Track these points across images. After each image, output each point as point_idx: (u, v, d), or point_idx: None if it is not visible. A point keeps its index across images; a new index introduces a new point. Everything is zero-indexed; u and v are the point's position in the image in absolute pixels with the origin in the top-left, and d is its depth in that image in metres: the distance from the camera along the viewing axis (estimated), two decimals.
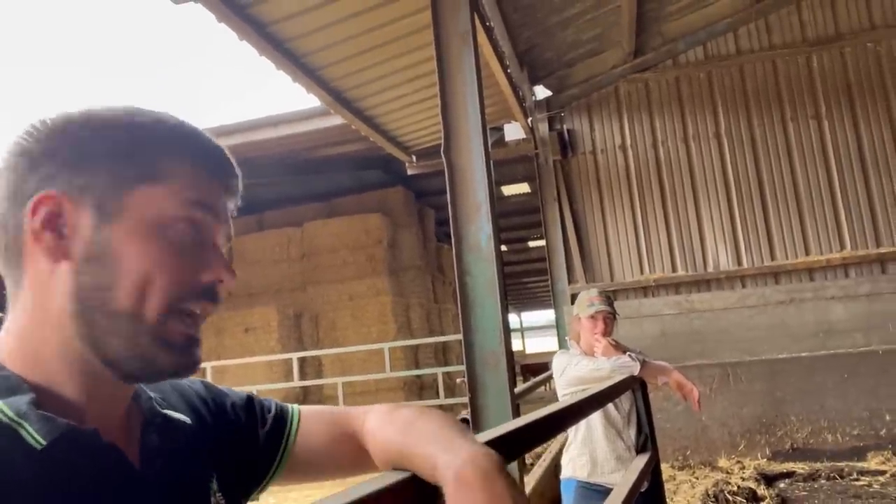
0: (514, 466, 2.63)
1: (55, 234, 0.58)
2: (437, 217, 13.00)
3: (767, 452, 5.72)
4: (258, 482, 0.78)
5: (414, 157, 7.29)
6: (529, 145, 7.04)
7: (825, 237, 6.24)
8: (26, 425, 0.53)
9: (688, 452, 5.86)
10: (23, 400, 0.55)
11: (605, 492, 2.63)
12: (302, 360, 10.19)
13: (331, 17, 4.14)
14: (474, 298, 2.85)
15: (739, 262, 6.40)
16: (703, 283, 6.45)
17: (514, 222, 13.61)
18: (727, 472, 5.37)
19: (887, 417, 5.54)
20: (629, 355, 2.71)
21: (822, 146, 6.35)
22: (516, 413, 2.90)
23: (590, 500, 2.73)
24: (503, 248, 15.65)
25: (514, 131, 7.07)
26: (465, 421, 3.39)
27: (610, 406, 2.72)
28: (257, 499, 0.80)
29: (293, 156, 9.38)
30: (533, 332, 38.11)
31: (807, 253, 6.26)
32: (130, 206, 0.60)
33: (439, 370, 9.44)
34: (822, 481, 4.99)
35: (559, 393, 2.88)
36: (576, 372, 2.73)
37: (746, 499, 4.49)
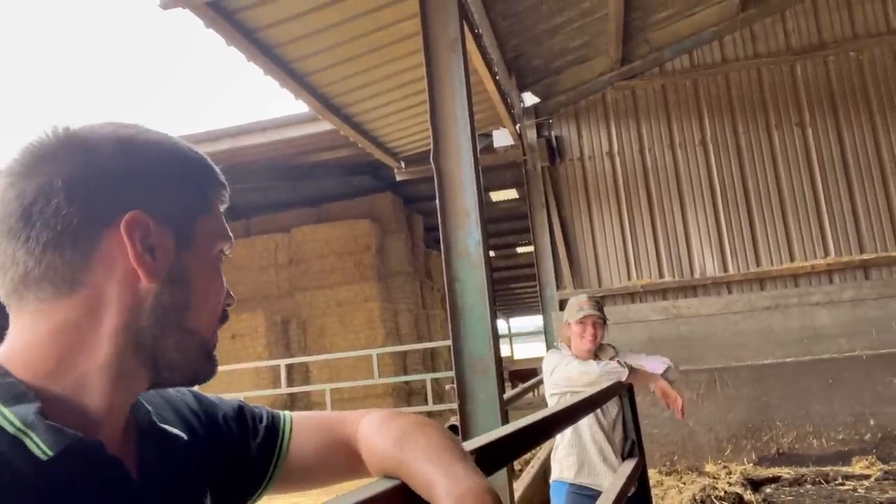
0: (503, 473, 2.63)
1: (150, 256, 0.62)
2: (425, 223, 12.99)
3: (753, 457, 5.76)
4: (251, 494, 0.78)
5: (403, 163, 7.29)
6: (518, 152, 7.06)
7: (810, 244, 6.30)
8: (32, 435, 0.53)
9: (675, 458, 5.88)
10: (30, 409, 0.54)
11: (594, 496, 2.64)
12: (290, 367, 10.14)
13: (319, 23, 4.15)
14: (463, 304, 2.85)
15: (725, 269, 6.45)
16: (689, 289, 6.49)
17: (502, 228, 13.65)
18: (714, 478, 5.39)
19: (871, 422, 5.59)
20: (618, 361, 2.74)
21: (806, 153, 6.42)
22: (505, 419, 2.90)
23: None
24: (491, 253, 15.67)
25: (502, 138, 7.10)
26: (454, 428, 3.38)
27: (597, 410, 2.75)
28: None
29: (281, 161, 9.34)
30: (521, 337, 38.13)
31: (791, 259, 6.32)
32: (197, 234, 0.66)
33: (427, 376, 9.44)
34: (808, 486, 5.03)
35: (547, 392, 2.90)
36: (565, 372, 2.75)
37: None
